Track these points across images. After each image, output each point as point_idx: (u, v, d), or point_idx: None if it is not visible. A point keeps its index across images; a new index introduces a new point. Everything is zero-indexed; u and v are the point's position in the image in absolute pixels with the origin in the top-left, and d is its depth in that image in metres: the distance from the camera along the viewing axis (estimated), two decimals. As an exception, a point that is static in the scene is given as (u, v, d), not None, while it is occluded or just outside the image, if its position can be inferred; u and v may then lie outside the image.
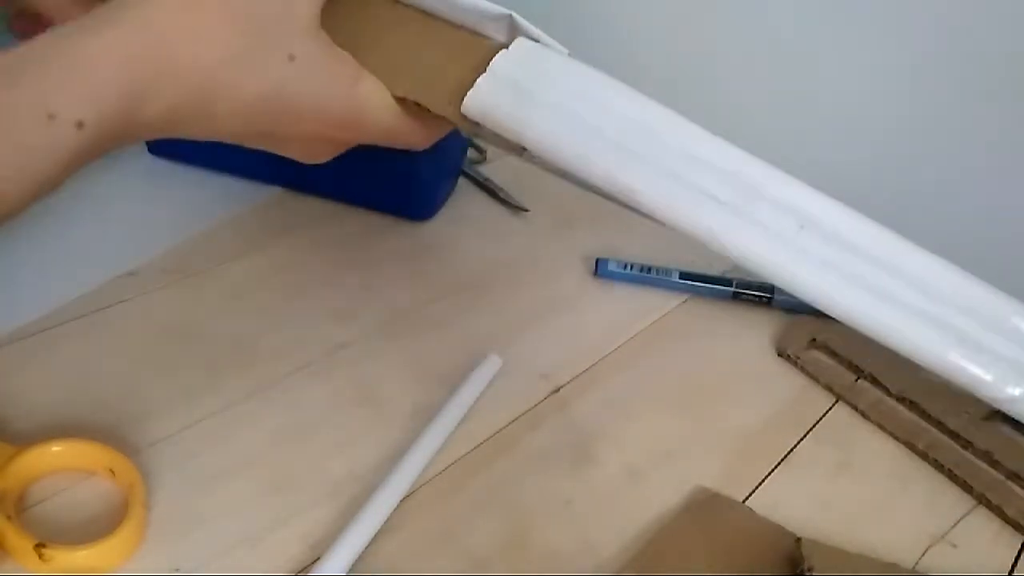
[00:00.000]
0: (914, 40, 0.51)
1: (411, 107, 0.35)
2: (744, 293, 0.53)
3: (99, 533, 0.32)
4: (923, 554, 0.38)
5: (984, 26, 0.48)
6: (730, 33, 0.57)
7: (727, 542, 0.37)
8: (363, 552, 0.34)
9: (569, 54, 0.38)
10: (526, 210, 0.59)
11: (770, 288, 0.53)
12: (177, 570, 0.33)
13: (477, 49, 0.37)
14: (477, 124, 0.36)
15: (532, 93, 0.36)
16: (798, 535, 0.37)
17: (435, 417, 0.40)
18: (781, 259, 0.35)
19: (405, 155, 0.52)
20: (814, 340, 0.50)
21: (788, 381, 0.48)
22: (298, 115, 0.33)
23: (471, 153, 0.62)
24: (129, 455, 0.35)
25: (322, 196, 0.56)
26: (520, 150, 0.37)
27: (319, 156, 0.37)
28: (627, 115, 0.37)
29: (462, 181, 0.61)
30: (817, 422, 0.45)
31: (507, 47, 0.37)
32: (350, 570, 0.33)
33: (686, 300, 0.53)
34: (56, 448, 0.35)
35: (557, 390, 0.44)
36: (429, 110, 0.35)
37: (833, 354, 0.50)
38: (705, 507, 0.38)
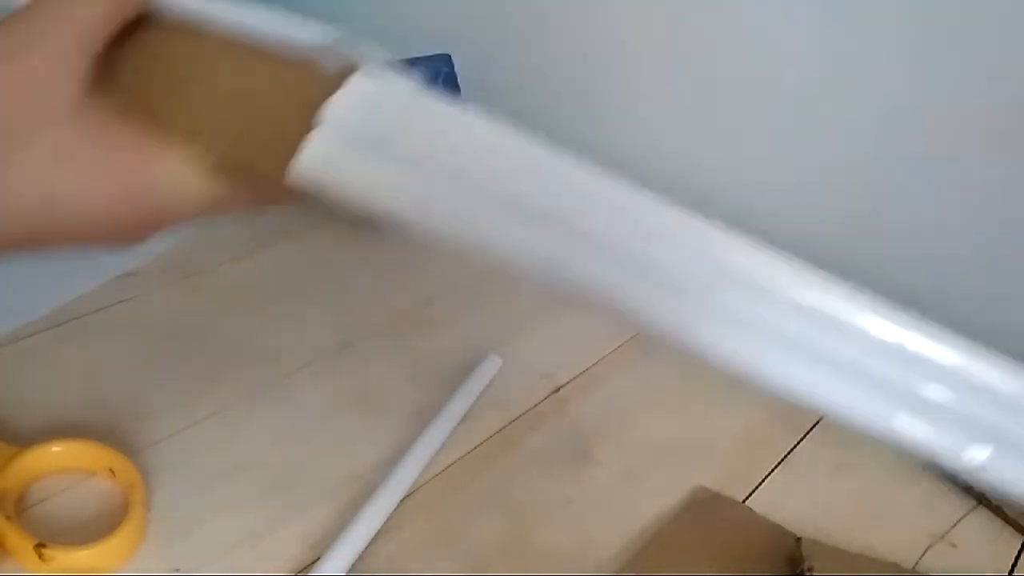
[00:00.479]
0: (914, 38, 0.51)
1: (229, 172, 0.29)
2: (744, 293, 0.53)
3: (99, 533, 0.32)
4: (923, 554, 0.38)
5: (984, 24, 0.48)
6: (730, 32, 0.57)
7: (727, 542, 0.37)
8: (363, 552, 0.34)
9: (420, 84, 0.31)
10: (526, 210, 0.59)
11: (770, 288, 0.53)
12: (177, 570, 0.33)
13: (308, 87, 0.29)
14: (313, 194, 0.28)
15: (385, 145, 0.29)
16: (798, 535, 0.37)
17: (435, 417, 0.40)
18: (686, 318, 0.29)
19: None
20: (814, 340, 0.50)
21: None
22: (72, 222, 0.27)
23: (471, 153, 0.62)
24: (129, 455, 0.35)
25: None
26: (371, 221, 0.29)
27: (128, 243, 0.29)
28: (525, 166, 0.30)
29: (462, 181, 0.61)
30: (817, 422, 0.45)
31: (345, 79, 0.29)
32: (350, 570, 0.33)
33: (686, 300, 0.53)
34: (56, 448, 0.35)
35: (557, 390, 0.44)
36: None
37: (833, 354, 0.49)
38: (705, 507, 0.38)
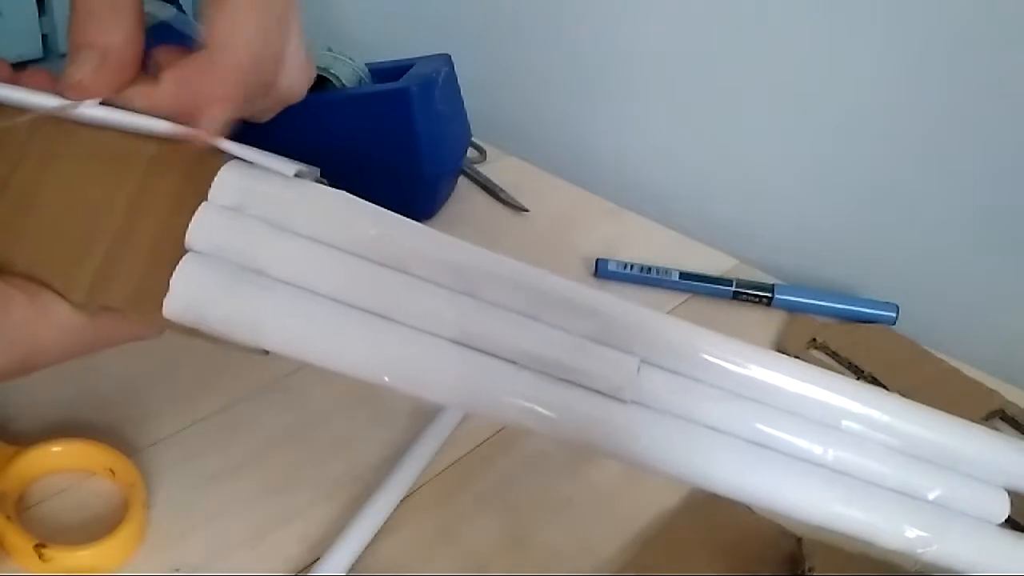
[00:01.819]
0: (914, 37, 0.50)
1: (100, 312, 0.26)
2: (744, 293, 0.53)
3: (99, 533, 0.32)
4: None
5: (984, 23, 0.48)
6: (730, 33, 0.57)
7: (727, 542, 0.37)
8: (363, 552, 0.34)
9: (298, 174, 0.28)
10: (526, 210, 0.59)
11: (770, 288, 0.53)
12: (177, 570, 0.33)
13: (168, 181, 0.27)
14: (192, 329, 0.26)
15: (257, 270, 0.26)
16: (798, 535, 0.37)
17: (435, 417, 0.40)
18: (611, 417, 0.27)
19: (405, 154, 0.52)
20: (814, 340, 0.50)
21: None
22: None
23: (471, 153, 0.62)
24: (129, 455, 0.35)
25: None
26: (261, 352, 0.27)
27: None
28: (398, 255, 0.28)
29: (462, 181, 0.61)
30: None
31: (207, 166, 0.27)
32: (350, 570, 0.33)
33: (686, 300, 0.53)
34: (56, 448, 0.35)
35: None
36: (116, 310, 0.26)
37: (833, 354, 0.50)
38: (705, 507, 0.38)
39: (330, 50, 0.53)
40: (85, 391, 0.39)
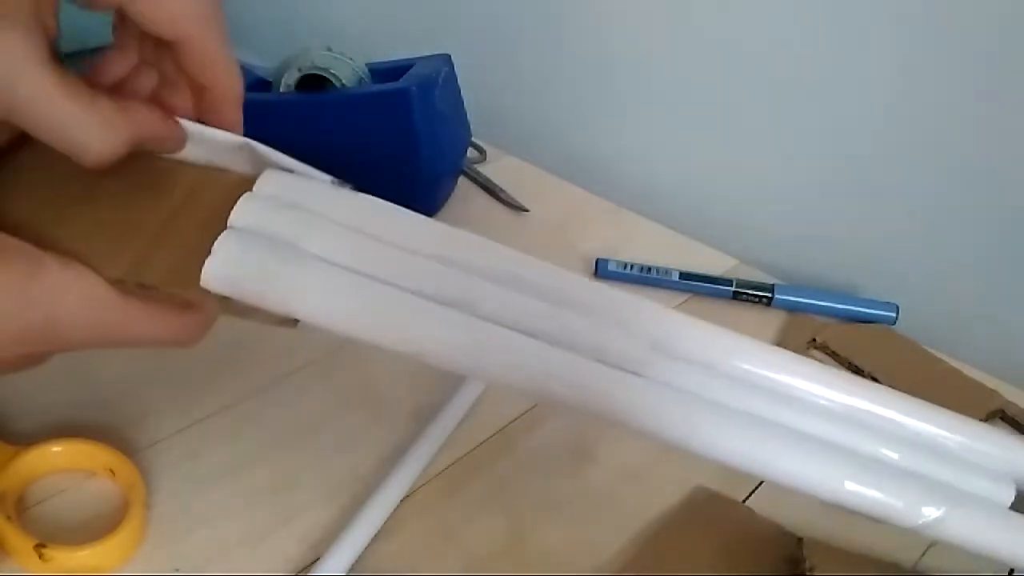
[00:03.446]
0: (914, 37, 0.51)
1: (136, 291, 0.27)
2: (744, 293, 0.53)
3: (99, 533, 0.32)
4: (923, 554, 0.38)
5: (984, 22, 0.48)
6: (731, 33, 0.57)
7: (727, 542, 0.37)
8: (363, 552, 0.34)
9: (334, 182, 0.30)
10: (526, 210, 0.59)
11: (770, 288, 0.53)
12: (177, 570, 0.33)
13: (212, 191, 0.29)
14: (227, 299, 0.27)
15: (294, 244, 0.28)
16: (799, 535, 0.37)
17: (435, 417, 0.40)
18: (632, 394, 0.28)
19: (405, 154, 0.52)
20: (814, 340, 0.50)
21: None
22: None
23: (471, 153, 0.62)
24: (129, 455, 0.35)
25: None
26: (290, 322, 0.28)
27: (25, 363, 0.28)
28: (437, 253, 0.30)
29: (462, 181, 0.61)
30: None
31: (251, 184, 0.29)
32: (350, 570, 0.33)
33: (686, 300, 0.53)
34: (56, 448, 0.35)
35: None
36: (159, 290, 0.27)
37: (833, 354, 0.50)
38: (705, 507, 0.38)
39: (330, 50, 0.53)
40: (85, 391, 0.39)
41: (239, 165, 0.30)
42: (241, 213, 0.28)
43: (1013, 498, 0.31)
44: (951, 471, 0.31)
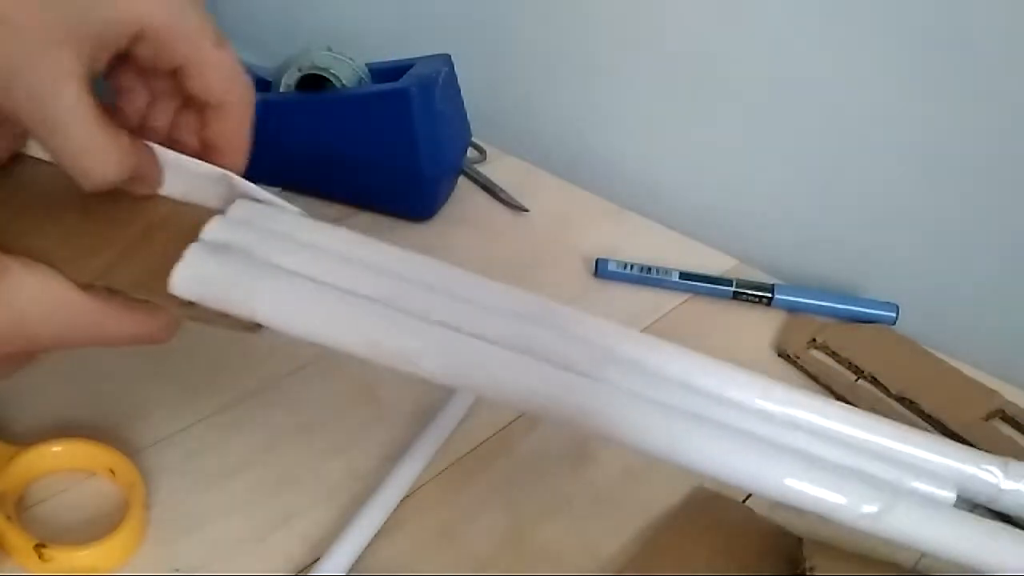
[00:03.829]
0: (914, 37, 0.51)
1: (104, 295, 0.28)
2: (744, 293, 0.53)
3: (99, 533, 0.32)
4: (923, 554, 0.38)
5: (985, 22, 0.48)
6: (732, 34, 0.57)
7: (727, 542, 0.37)
8: (363, 552, 0.34)
9: (301, 214, 0.32)
10: (526, 210, 0.59)
11: (770, 288, 0.53)
12: (177, 570, 0.33)
13: (186, 218, 0.30)
14: (192, 305, 0.28)
15: (260, 258, 0.29)
16: (799, 535, 0.37)
17: (435, 417, 0.40)
18: (584, 398, 0.29)
19: (405, 154, 0.52)
20: (814, 340, 0.50)
21: (788, 381, 0.47)
22: None
23: (471, 153, 0.62)
24: (129, 455, 0.35)
25: (321, 196, 0.56)
26: (254, 327, 0.29)
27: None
28: (392, 268, 0.32)
29: (462, 181, 0.61)
30: (817, 422, 0.45)
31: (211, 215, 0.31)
32: (350, 570, 0.33)
33: (686, 300, 0.53)
34: (56, 448, 0.35)
35: (557, 390, 0.44)
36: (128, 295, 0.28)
37: (833, 354, 0.50)
38: (705, 507, 0.38)
39: (330, 50, 0.53)
40: (85, 391, 0.39)
41: (215, 198, 0.32)
42: (211, 230, 0.30)
43: (954, 500, 0.32)
44: (892, 472, 0.32)
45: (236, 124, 0.31)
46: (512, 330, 0.31)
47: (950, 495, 0.32)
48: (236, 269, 0.29)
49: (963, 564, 0.31)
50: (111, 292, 0.28)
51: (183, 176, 0.32)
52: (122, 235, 0.29)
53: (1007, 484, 0.33)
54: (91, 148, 0.27)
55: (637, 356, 0.32)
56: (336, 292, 0.30)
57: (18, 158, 0.31)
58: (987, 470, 0.33)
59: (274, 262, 0.30)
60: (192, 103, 0.31)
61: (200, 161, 0.31)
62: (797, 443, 0.32)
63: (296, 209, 0.32)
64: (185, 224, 0.30)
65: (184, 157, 0.31)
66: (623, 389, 0.31)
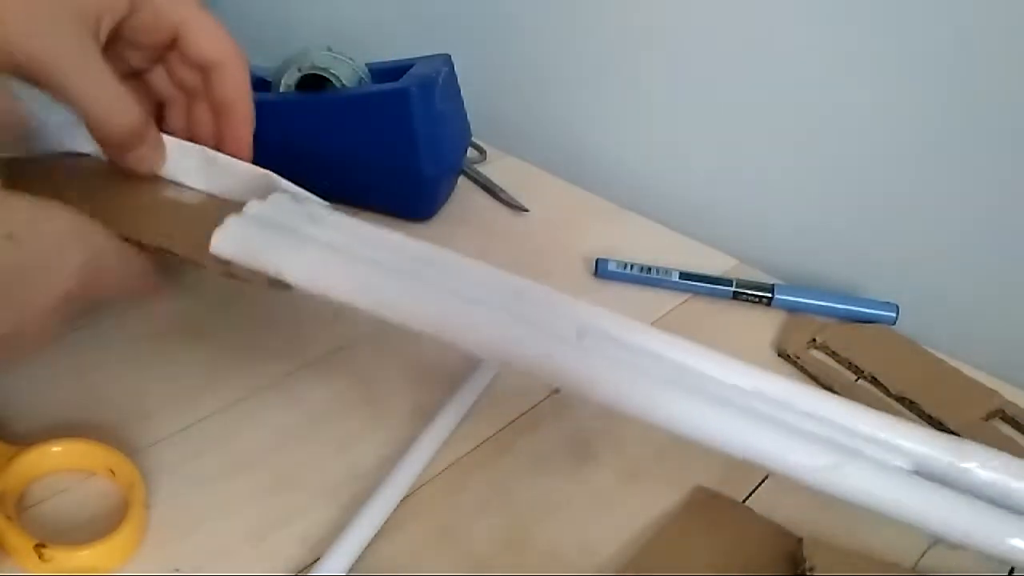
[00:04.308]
0: (914, 37, 0.51)
1: (150, 255, 0.34)
2: (744, 293, 0.53)
3: (99, 533, 0.32)
4: (923, 554, 0.38)
5: (984, 23, 0.48)
6: (734, 33, 0.57)
7: (727, 542, 0.37)
8: (363, 552, 0.34)
9: (329, 206, 0.38)
10: (526, 210, 0.59)
11: (770, 288, 0.53)
12: (177, 570, 0.33)
13: (229, 205, 0.36)
14: (228, 263, 0.34)
15: (291, 229, 0.35)
16: (799, 535, 0.37)
17: (435, 417, 0.40)
18: (566, 358, 0.34)
19: (405, 154, 0.52)
20: (814, 340, 0.50)
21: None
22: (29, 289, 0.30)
23: (471, 153, 0.62)
24: (129, 455, 0.35)
25: (322, 196, 0.56)
26: (282, 285, 0.34)
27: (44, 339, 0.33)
28: (402, 248, 0.37)
29: (462, 181, 0.61)
30: (817, 422, 0.45)
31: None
32: (350, 570, 0.33)
33: (686, 300, 0.53)
34: (56, 448, 0.35)
35: (557, 390, 0.44)
36: (175, 254, 0.34)
37: (833, 354, 0.50)
38: (705, 507, 0.38)
39: (330, 50, 0.53)
40: (85, 391, 0.39)
41: (259, 194, 0.37)
42: (251, 207, 0.36)
43: (909, 468, 0.34)
44: (852, 441, 0.34)
45: (237, 80, 0.37)
46: (500, 298, 0.35)
47: (906, 466, 0.34)
48: (268, 234, 0.34)
49: (913, 524, 0.33)
50: (158, 250, 0.34)
51: (231, 176, 0.38)
52: (176, 214, 0.36)
53: (963, 464, 0.35)
54: (105, 97, 0.32)
55: (613, 331, 0.36)
56: (350, 257, 0.35)
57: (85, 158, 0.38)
58: (942, 449, 0.35)
59: (300, 233, 0.35)
60: (203, 96, 0.38)
61: (245, 162, 0.38)
62: (762, 409, 0.35)
63: (325, 203, 0.38)
64: (228, 209, 0.35)
65: (232, 159, 0.38)
66: (599, 353, 0.34)
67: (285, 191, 0.38)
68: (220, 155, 0.38)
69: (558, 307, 0.36)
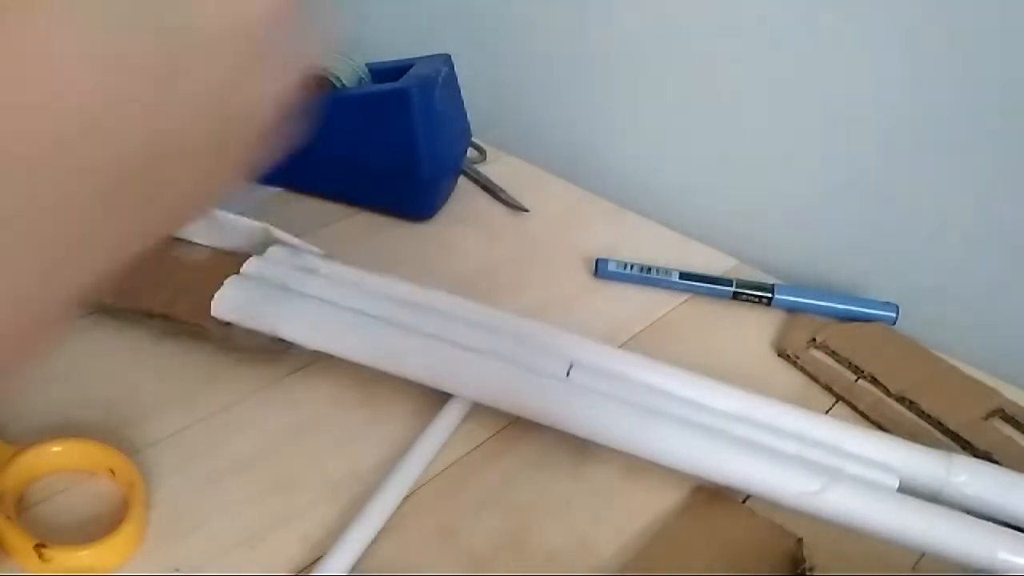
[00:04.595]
0: (914, 37, 0.51)
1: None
2: (744, 293, 0.53)
3: (99, 533, 0.32)
4: (923, 554, 0.38)
5: (985, 23, 0.48)
6: (733, 35, 0.57)
7: (727, 542, 0.37)
8: (363, 552, 0.34)
9: (323, 254, 0.41)
10: (526, 210, 0.59)
11: (770, 288, 0.53)
12: (177, 570, 0.33)
13: (229, 262, 0.39)
14: (228, 325, 0.37)
15: (287, 286, 0.37)
16: (799, 535, 0.37)
17: (435, 417, 0.40)
18: (556, 393, 0.37)
19: (405, 154, 0.52)
20: (814, 340, 0.50)
21: (788, 381, 0.48)
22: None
23: (471, 153, 0.62)
24: (129, 455, 0.35)
25: (322, 196, 0.56)
26: (281, 345, 0.37)
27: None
28: (397, 294, 0.40)
29: (462, 181, 0.61)
30: (817, 422, 0.45)
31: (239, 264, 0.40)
32: (350, 570, 0.33)
33: (686, 300, 0.53)
34: (56, 448, 0.35)
35: (557, 390, 0.44)
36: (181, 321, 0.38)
37: (833, 354, 0.50)
38: (705, 507, 0.38)
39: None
40: (85, 391, 0.39)
41: (257, 247, 0.40)
42: (248, 266, 0.39)
43: (896, 486, 0.35)
44: (837, 461, 0.35)
45: None
46: (487, 341, 0.38)
47: (893, 481, 0.35)
48: (264, 294, 0.37)
49: (901, 543, 0.33)
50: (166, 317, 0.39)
51: (230, 230, 0.41)
52: (176, 278, 0.39)
53: (951, 477, 0.36)
54: None
55: (599, 361, 0.38)
56: (344, 311, 0.37)
57: None
58: (931, 463, 0.35)
59: (296, 289, 0.37)
60: None
61: (244, 217, 0.41)
62: (746, 434, 0.36)
63: (318, 250, 0.41)
64: (229, 266, 0.38)
65: (231, 215, 0.41)
66: (582, 387, 0.37)
67: (283, 243, 0.41)
68: (219, 212, 0.42)
69: (550, 344, 0.39)
